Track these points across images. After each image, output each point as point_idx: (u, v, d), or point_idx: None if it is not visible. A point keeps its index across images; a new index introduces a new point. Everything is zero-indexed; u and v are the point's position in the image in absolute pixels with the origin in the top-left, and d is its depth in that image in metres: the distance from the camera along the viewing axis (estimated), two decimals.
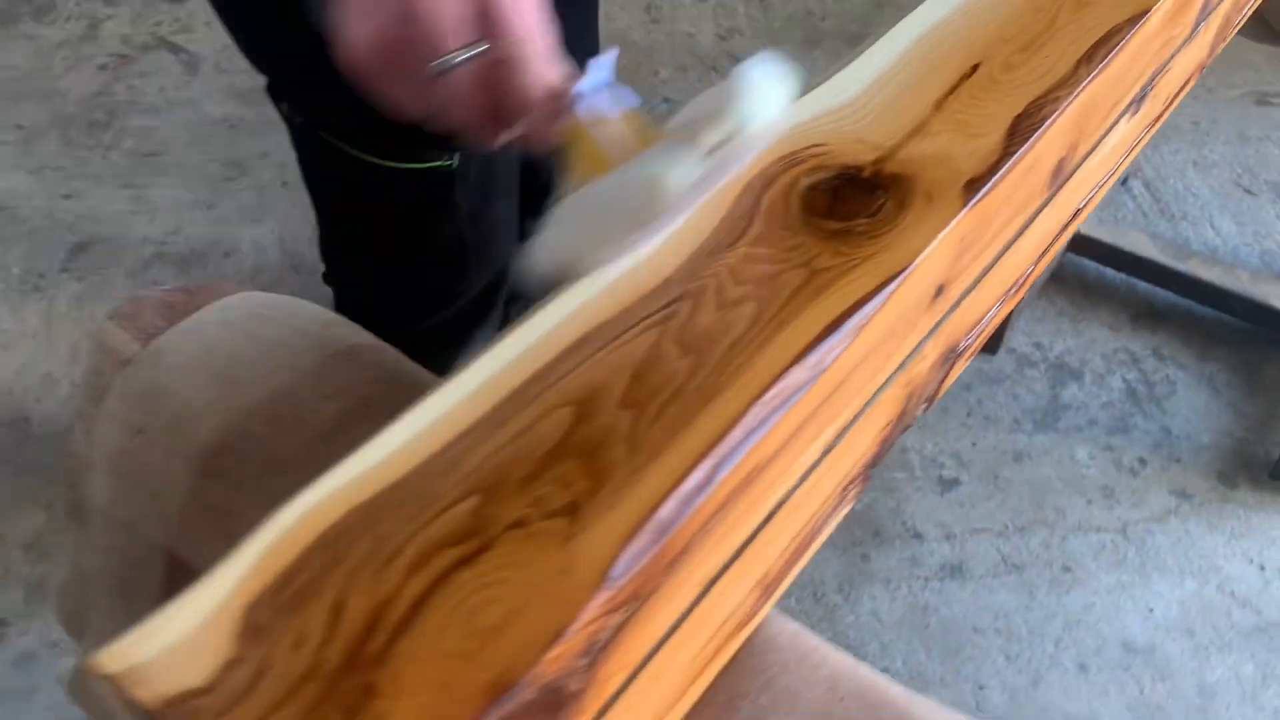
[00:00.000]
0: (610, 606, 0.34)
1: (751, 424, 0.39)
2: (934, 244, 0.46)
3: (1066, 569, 1.50)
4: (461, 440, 0.38)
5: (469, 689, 0.32)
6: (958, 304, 0.53)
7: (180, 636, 0.33)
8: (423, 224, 1.03)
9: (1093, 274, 1.88)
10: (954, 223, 0.47)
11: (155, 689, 0.32)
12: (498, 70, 0.50)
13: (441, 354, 1.25)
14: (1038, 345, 1.78)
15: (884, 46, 0.56)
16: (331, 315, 0.64)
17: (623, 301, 0.43)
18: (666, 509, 0.36)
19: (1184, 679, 1.39)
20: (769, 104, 0.47)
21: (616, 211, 0.44)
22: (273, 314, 0.62)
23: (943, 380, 0.61)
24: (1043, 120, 0.52)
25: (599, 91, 0.51)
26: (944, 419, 1.67)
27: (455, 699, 0.31)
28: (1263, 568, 1.49)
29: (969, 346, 0.62)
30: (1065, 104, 0.53)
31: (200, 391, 0.58)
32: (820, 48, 2.43)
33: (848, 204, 0.47)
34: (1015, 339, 1.78)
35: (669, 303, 0.43)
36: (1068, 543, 1.53)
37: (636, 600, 0.36)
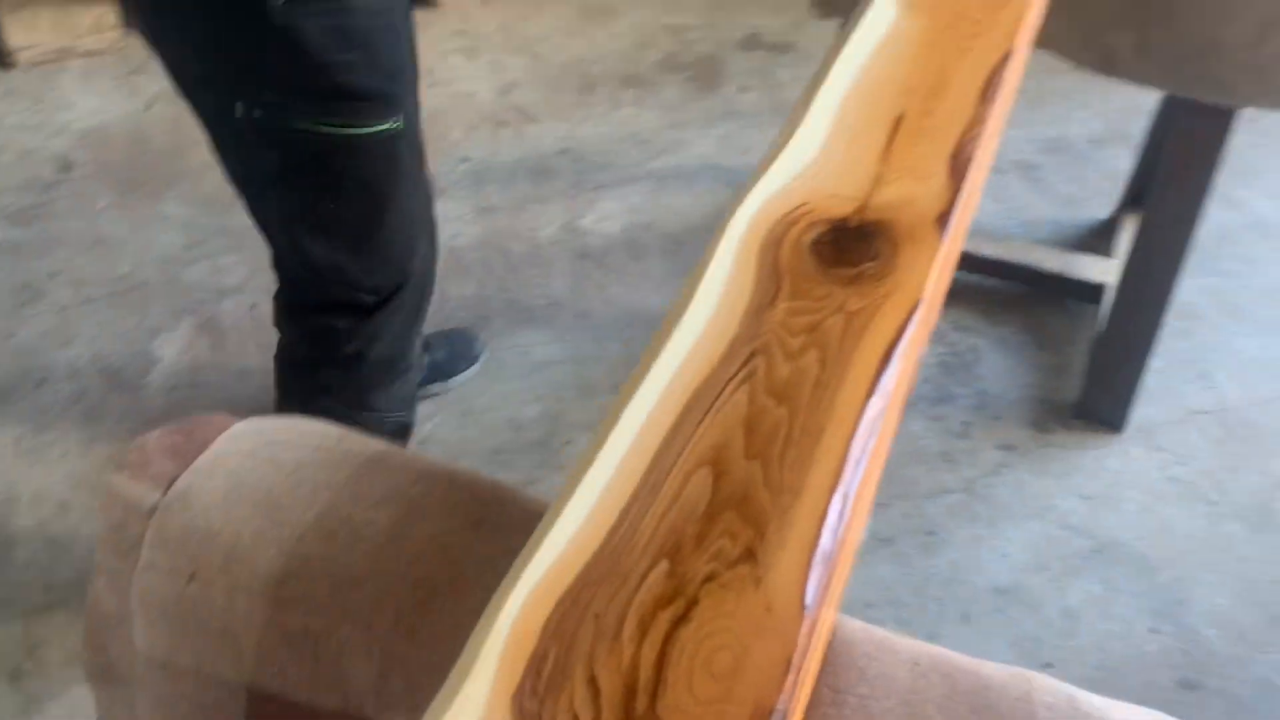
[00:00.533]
0: (809, 630, 0.40)
1: (857, 454, 0.45)
2: (934, 274, 0.54)
3: (929, 533, 1.65)
4: (626, 516, 0.43)
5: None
6: (931, 317, 0.62)
7: None
8: (383, 186, 1.24)
9: None
10: (941, 253, 0.55)
11: None
12: None
13: (405, 352, 1.44)
14: None
15: (818, 112, 0.64)
16: (337, 429, 0.66)
17: (703, 368, 0.49)
18: (824, 541, 0.42)
19: (1049, 608, 1.56)
20: None
21: None
22: (286, 437, 0.63)
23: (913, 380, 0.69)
24: (971, 154, 0.61)
25: None
26: None
27: None
28: (1088, 497, 1.69)
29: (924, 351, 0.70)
30: (982, 136, 0.63)
31: (246, 525, 0.58)
32: (597, 92, 2.54)
33: (850, 252, 0.55)
34: None
35: (745, 361, 0.49)
36: (924, 509, 1.68)
37: (810, 634, 0.42)
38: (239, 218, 2.14)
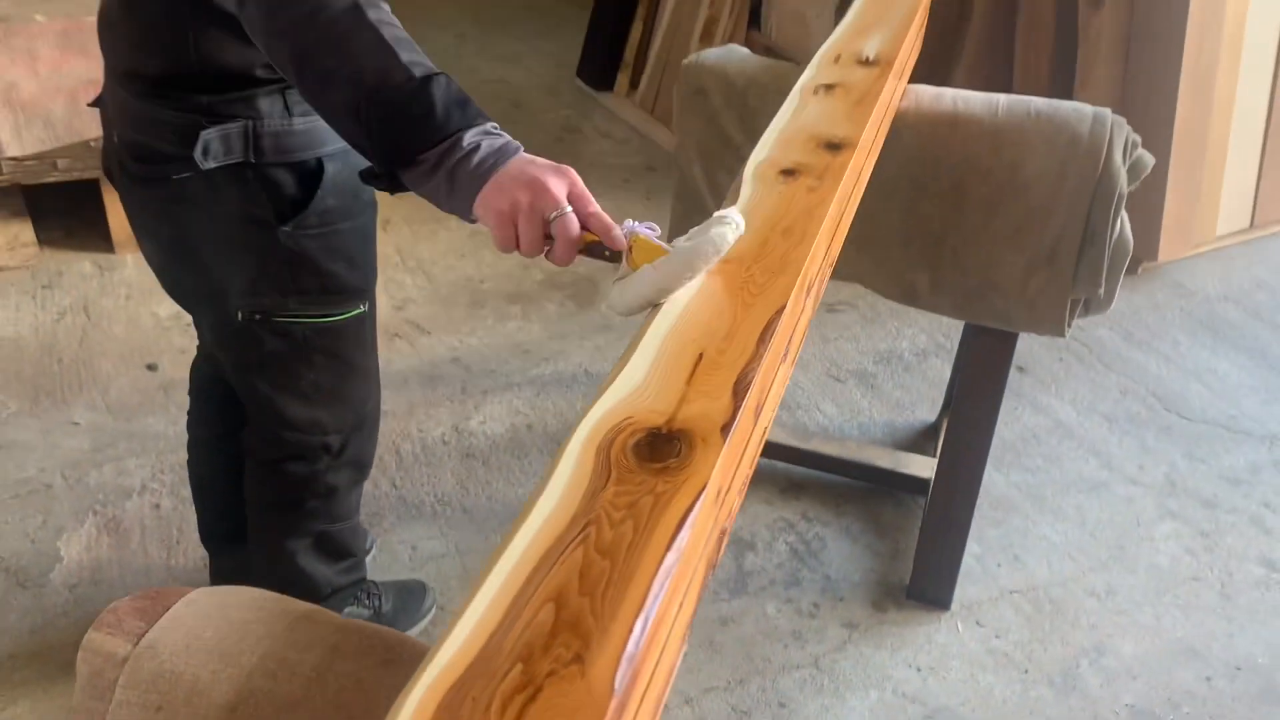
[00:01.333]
0: (617, 708, 0.60)
1: (656, 590, 0.67)
2: (717, 465, 0.77)
3: (782, 705, 1.83)
4: (494, 636, 0.63)
5: None
6: (723, 501, 0.85)
7: None
8: (352, 355, 1.58)
9: None
10: (723, 452, 0.78)
11: None
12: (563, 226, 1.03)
13: (365, 468, 1.77)
14: None
15: (647, 343, 0.89)
16: (273, 594, 0.84)
17: (552, 534, 0.70)
18: (629, 648, 0.63)
19: None
20: (727, 229, 1.00)
21: (676, 271, 0.98)
22: (234, 600, 0.81)
23: (720, 548, 0.91)
24: (750, 381, 0.86)
25: (647, 227, 1.05)
26: None
27: None
28: (920, 669, 1.91)
29: (732, 518, 0.93)
30: (756, 370, 0.87)
31: (204, 667, 0.76)
32: (485, 307, 2.81)
33: (660, 451, 0.78)
34: None
35: (582, 529, 0.70)
36: (778, 684, 1.87)
37: (619, 710, 0.62)
38: (144, 422, 2.30)
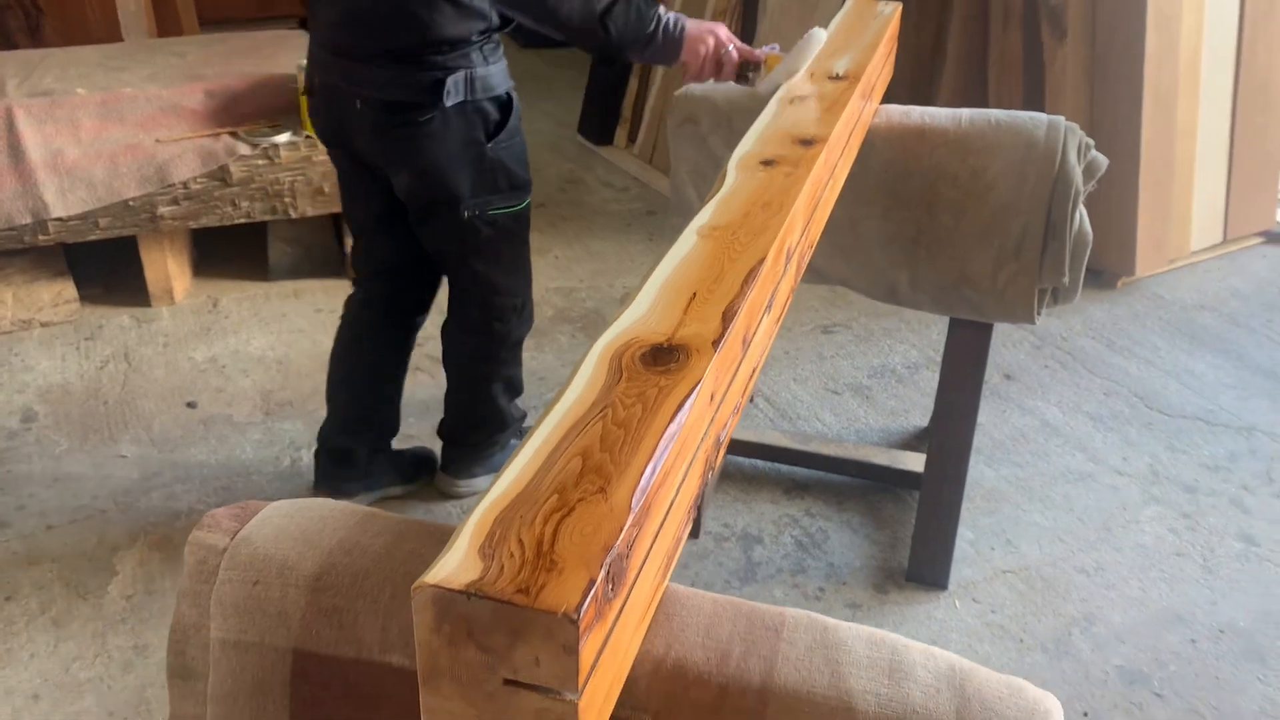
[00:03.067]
0: (634, 523, 0.76)
1: (661, 449, 0.83)
2: (709, 369, 0.93)
3: None
4: (535, 477, 0.79)
5: (593, 556, 0.71)
6: (720, 404, 1.01)
7: (457, 559, 0.70)
8: (523, 236, 2.18)
9: (748, 467, 2.48)
10: (714, 360, 0.95)
11: (459, 581, 0.69)
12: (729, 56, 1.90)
13: (529, 326, 2.34)
14: (726, 525, 2.31)
15: (648, 288, 1.06)
16: (340, 502, 1.00)
17: (577, 412, 0.86)
18: (642, 483, 0.79)
19: None
20: (809, 42, 1.81)
21: (789, 64, 1.79)
22: (309, 506, 0.97)
23: (718, 454, 1.07)
24: (736, 311, 1.03)
25: (771, 48, 1.93)
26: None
27: (588, 566, 0.71)
28: (920, 641, 2.04)
29: (727, 436, 1.09)
30: (742, 304, 1.04)
31: (293, 548, 0.91)
32: None
33: (662, 359, 0.94)
34: (709, 524, 2.30)
35: (600, 410, 0.87)
36: None
37: (636, 526, 0.78)
38: (188, 453, 2.46)
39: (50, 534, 2.23)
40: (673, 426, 0.85)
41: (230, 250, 3.37)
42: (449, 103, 1.91)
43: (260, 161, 2.98)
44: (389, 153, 1.99)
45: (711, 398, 0.97)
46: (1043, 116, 1.98)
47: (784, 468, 2.46)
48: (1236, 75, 3.47)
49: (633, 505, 0.77)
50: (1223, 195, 3.58)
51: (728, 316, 1.02)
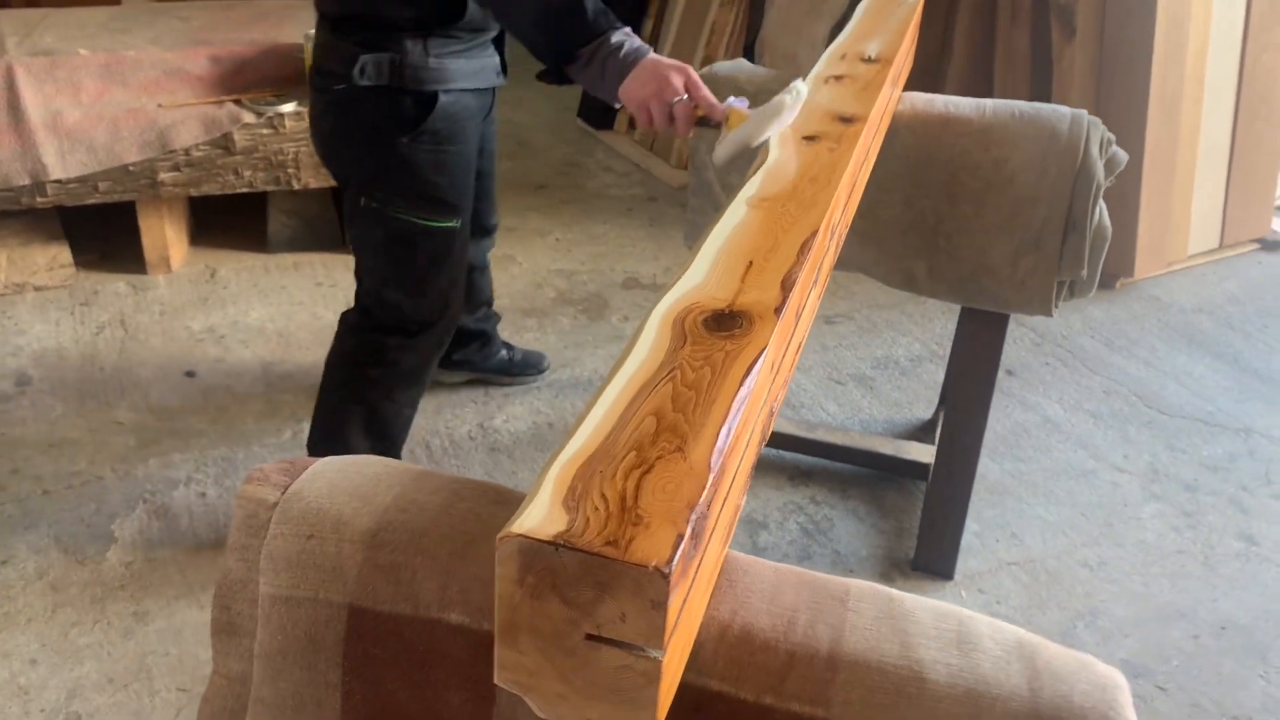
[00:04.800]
0: (714, 483, 0.75)
1: (734, 410, 0.82)
2: (773, 336, 0.92)
3: None
4: (611, 434, 0.77)
5: (678, 512, 0.70)
6: (776, 374, 1.00)
7: (542, 511, 0.69)
8: (439, 260, 1.93)
9: None
10: (776, 327, 0.94)
11: (546, 532, 0.67)
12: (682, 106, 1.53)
13: (426, 367, 2.08)
14: None
15: (704, 254, 1.04)
16: (395, 460, 0.98)
17: (646, 373, 0.85)
18: (719, 443, 0.77)
19: None
20: (787, 95, 1.39)
21: (754, 126, 1.41)
22: (361, 462, 0.95)
23: (769, 423, 1.06)
24: (794, 280, 1.01)
25: (740, 101, 1.49)
26: None
27: (674, 522, 0.70)
28: None
29: (778, 407, 1.08)
30: (799, 272, 1.03)
31: (346, 505, 0.90)
32: (503, 321, 2.96)
33: (725, 324, 0.93)
34: None
35: (669, 372, 0.85)
36: None
37: (715, 486, 0.76)
38: (186, 421, 2.43)
39: (46, 499, 2.19)
40: (743, 390, 0.84)
41: (227, 220, 3.33)
42: (362, 81, 1.75)
43: (265, 130, 2.94)
44: (311, 114, 1.93)
45: (772, 365, 0.96)
46: (1066, 109, 1.98)
47: (788, 455, 2.45)
48: (1240, 82, 3.49)
49: (711, 465, 0.75)
50: (1221, 201, 3.61)
51: (786, 285, 1.01)
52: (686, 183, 3.90)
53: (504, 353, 2.64)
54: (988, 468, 2.49)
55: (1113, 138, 1.99)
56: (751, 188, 1.22)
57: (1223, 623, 2.10)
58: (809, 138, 1.38)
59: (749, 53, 3.86)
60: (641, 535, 0.68)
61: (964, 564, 2.20)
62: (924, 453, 2.40)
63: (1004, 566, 2.22)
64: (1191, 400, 2.82)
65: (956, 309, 2.30)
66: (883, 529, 2.29)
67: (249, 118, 2.91)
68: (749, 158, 1.41)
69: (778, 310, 0.96)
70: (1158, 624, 2.09)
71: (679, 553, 0.67)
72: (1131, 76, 3.24)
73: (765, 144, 1.36)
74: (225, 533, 2.15)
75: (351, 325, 2.01)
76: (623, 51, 1.56)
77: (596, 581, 0.67)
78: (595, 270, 3.27)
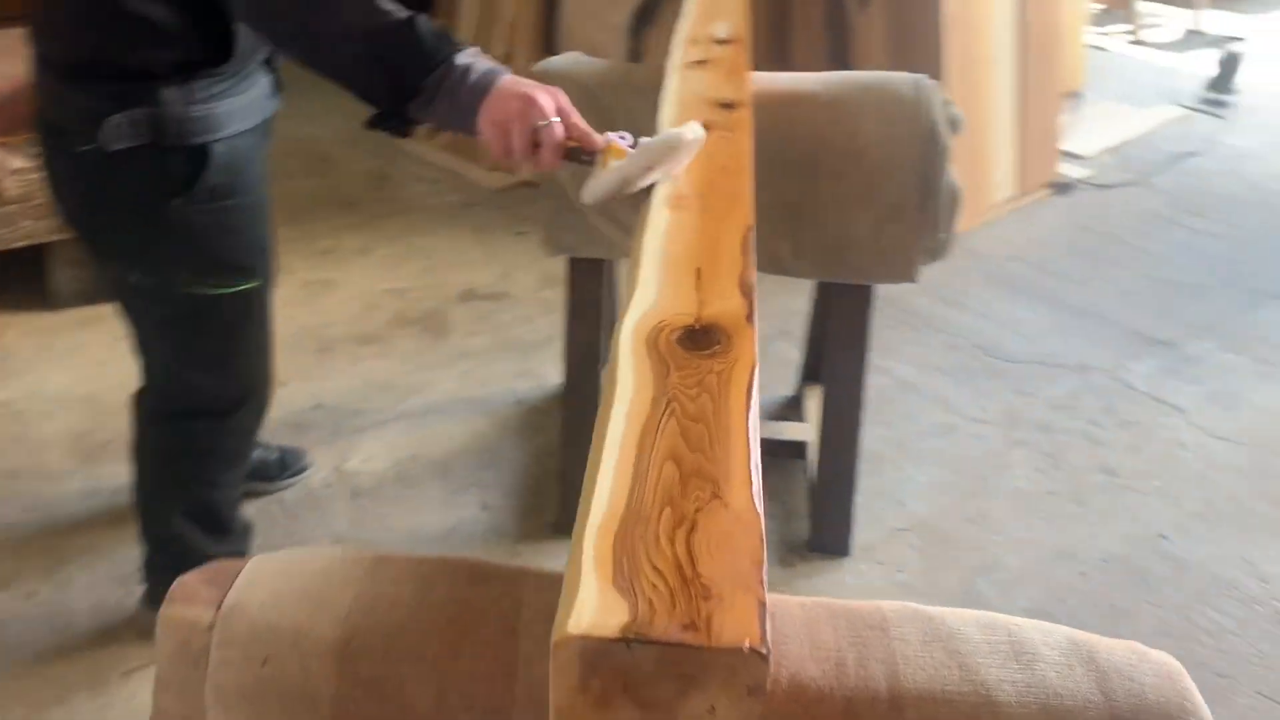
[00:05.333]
0: (763, 526, 0.66)
1: (752, 440, 0.73)
2: (754, 347, 0.84)
3: None
4: (632, 491, 0.67)
5: (747, 574, 0.61)
6: None
7: (594, 600, 0.58)
8: (239, 329, 1.67)
9: None
10: (754, 336, 0.85)
11: (610, 626, 0.56)
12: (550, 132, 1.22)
13: (249, 441, 1.84)
14: None
15: (647, 267, 0.95)
16: (338, 547, 0.84)
17: (643, 411, 0.75)
18: (754, 482, 0.68)
19: None
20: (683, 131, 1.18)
21: (636, 165, 1.18)
22: (302, 556, 0.81)
23: None
24: (751, 283, 0.93)
25: (620, 136, 1.23)
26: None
27: (748, 587, 0.60)
28: None
29: None
30: (750, 273, 0.95)
31: (300, 613, 0.75)
32: (336, 351, 2.76)
33: (701, 342, 0.84)
34: None
35: (666, 405, 0.75)
36: None
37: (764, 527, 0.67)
38: None
39: None
40: (751, 413, 0.75)
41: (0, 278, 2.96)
42: (112, 146, 1.42)
43: (39, 175, 2.61)
44: (49, 183, 1.56)
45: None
46: (906, 76, 1.98)
47: None
48: (1020, 35, 3.67)
49: (757, 508, 0.66)
50: (1015, 151, 3.79)
51: (745, 289, 0.93)
52: (504, 185, 3.78)
53: (259, 452, 2.18)
54: None
55: (950, 99, 2.01)
56: (664, 187, 1.13)
57: (1103, 556, 2.18)
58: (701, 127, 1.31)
59: (549, 44, 3.76)
60: (719, 610, 0.58)
61: (857, 537, 2.19)
62: (800, 431, 2.39)
63: (895, 534, 2.23)
64: (1026, 345, 2.93)
65: (798, 284, 2.29)
66: (772, 513, 2.26)
67: (19, 162, 2.58)
68: (632, 201, 1.22)
69: (749, 318, 0.88)
70: (1047, 567, 2.15)
71: (766, 624, 0.58)
72: (926, 39, 3.33)
73: (649, 188, 1.18)
74: (70, 635, 1.89)
75: (150, 413, 1.75)
76: (473, 76, 1.25)
77: (679, 675, 0.57)
78: (428, 285, 3.10)
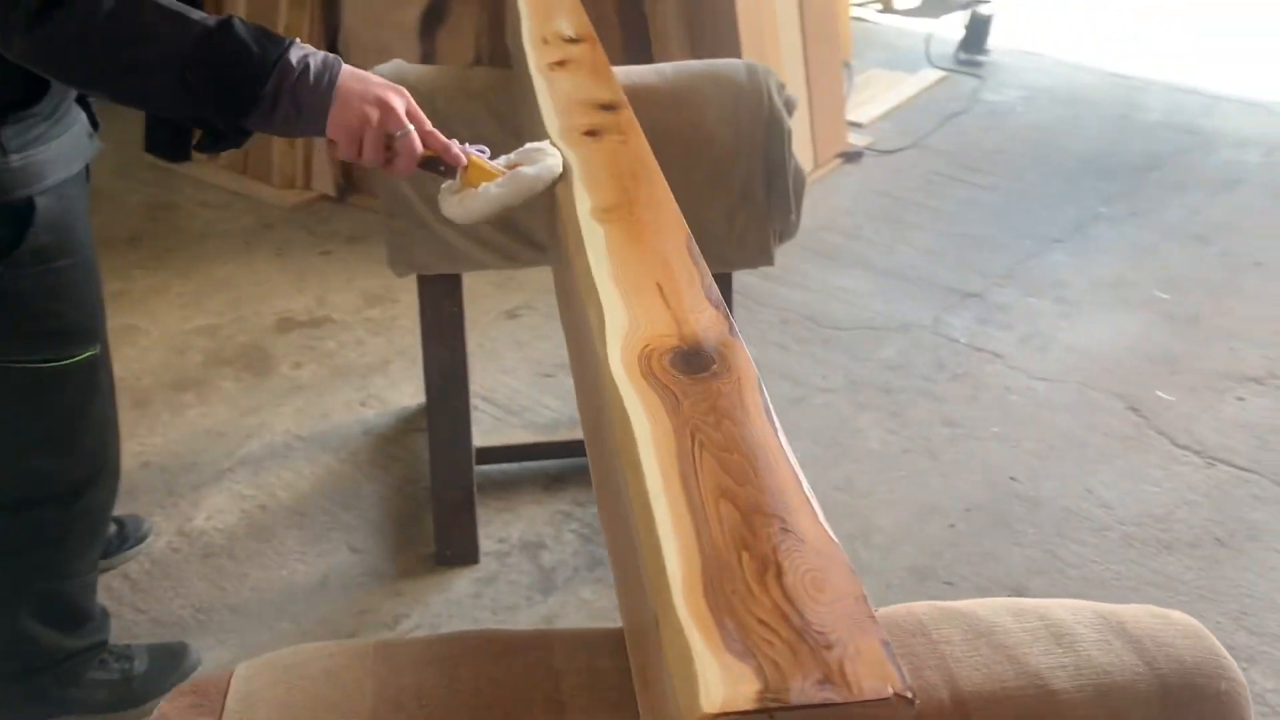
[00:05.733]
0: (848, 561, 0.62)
1: (792, 461, 0.69)
2: (750, 360, 0.80)
3: None
4: (699, 538, 0.62)
5: (856, 612, 0.57)
6: None
7: (715, 672, 0.53)
8: (82, 402, 1.50)
9: (497, 474, 2.31)
10: (745, 347, 0.82)
11: (746, 697, 0.52)
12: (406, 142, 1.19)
13: (102, 524, 1.65)
14: (501, 540, 2.14)
15: (605, 289, 0.89)
16: (329, 643, 0.75)
17: (672, 447, 0.70)
18: (815, 509, 0.65)
19: None
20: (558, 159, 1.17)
21: (518, 192, 1.16)
22: (290, 658, 0.71)
23: None
24: (716, 292, 0.90)
25: (479, 150, 1.23)
26: (478, 623, 1.92)
27: (862, 629, 0.57)
28: None
29: None
30: (709, 280, 0.92)
31: None
32: (153, 404, 2.53)
33: (695, 364, 0.80)
34: (484, 544, 2.11)
35: (692, 436, 0.71)
36: None
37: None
38: None
39: None
40: (780, 434, 0.72)
41: None
42: None
43: None
44: None
45: None
46: (738, 62, 1.99)
47: (533, 464, 2.32)
48: (801, 10, 3.79)
49: (830, 533, 0.63)
50: (809, 124, 3.91)
51: (713, 299, 0.89)
52: (300, 202, 3.56)
53: None
54: None
55: (783, 81, 2.04)
56: (583, 200, 1.08)
57: (965, 505, 2.28)
58: (590, 132, 1.26)
59: (333, 50, 3.57)
60: (849, 659, 0.55)
61: None
62: None
63: None
64: (852, 311, 3.04)
65: None
66: None
67: None
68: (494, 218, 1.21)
69: (732, 330, 0.84)
70: (918, 524, 2.23)
71: (900, 664, 0.54)
72: (719, 21, 3.38)
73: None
74: None
75: None
76: (311, 73, 1.15)
77: None
78: (239, 319, 2.89)
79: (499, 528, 2.17)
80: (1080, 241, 3.42)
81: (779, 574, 0.60)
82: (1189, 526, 2.21)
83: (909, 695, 0.52)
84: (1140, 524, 2.22)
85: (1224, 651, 0.76)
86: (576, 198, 1.07)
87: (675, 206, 1.07)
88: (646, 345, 0.81)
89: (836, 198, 3.78)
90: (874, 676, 0.53)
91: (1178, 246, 3.38)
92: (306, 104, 1.15)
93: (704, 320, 0.85)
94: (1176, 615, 0.79)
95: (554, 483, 2.30)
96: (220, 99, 1.13)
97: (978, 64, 5.05)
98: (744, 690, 0.52)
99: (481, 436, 2.28)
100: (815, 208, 3.66)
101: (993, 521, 2.24)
